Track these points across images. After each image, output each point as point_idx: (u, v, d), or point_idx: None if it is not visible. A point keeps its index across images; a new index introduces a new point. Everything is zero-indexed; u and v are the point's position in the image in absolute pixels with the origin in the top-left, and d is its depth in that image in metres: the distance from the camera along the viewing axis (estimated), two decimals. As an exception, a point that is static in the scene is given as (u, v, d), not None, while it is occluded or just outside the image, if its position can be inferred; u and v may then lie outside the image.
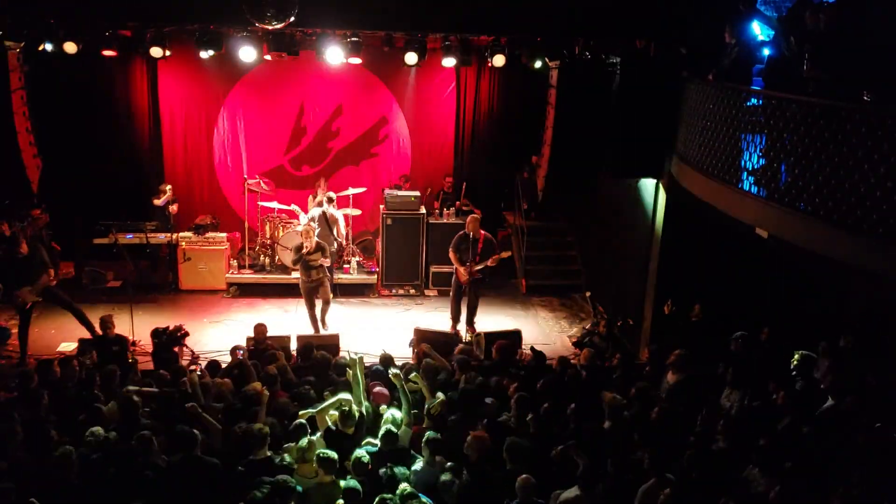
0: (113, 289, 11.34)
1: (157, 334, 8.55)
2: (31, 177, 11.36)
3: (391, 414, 6.24)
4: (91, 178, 12.15)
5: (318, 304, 10.17)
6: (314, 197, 12.10)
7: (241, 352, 7.79)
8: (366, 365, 6.97)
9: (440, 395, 6.52)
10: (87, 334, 8.96)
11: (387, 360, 7.59)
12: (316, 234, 10.21)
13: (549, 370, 7.85)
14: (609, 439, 6.21)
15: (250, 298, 11.51)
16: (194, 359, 8.99)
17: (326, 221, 10.99)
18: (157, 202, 11.78)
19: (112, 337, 8.34)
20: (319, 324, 10.14)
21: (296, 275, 10.51)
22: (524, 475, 5.27)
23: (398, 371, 6.75)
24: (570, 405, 6.60)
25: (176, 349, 8.74)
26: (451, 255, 10.15)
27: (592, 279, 12.18)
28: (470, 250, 10.00)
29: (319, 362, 7.59)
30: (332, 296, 10.41)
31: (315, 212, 11.30)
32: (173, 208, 11.87)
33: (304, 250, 9.74)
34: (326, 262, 10.08)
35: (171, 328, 8.69)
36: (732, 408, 7.03)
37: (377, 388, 6.88)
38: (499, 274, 11.58)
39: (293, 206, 11.94)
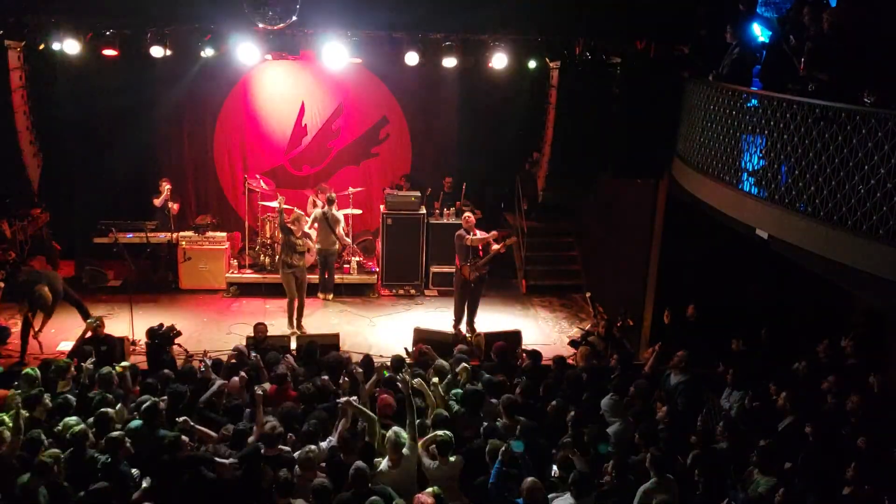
0: (113, 288, 11.34)
1: (151, 334, 8.54)
2: (32, 176, 11.32)
3: (394, 432, 5.66)
4: (91, 177, 12.14)
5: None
6: (313, 202, 12.01)
7: (255, 355, 7.73)
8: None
9: (441, 433, 5.87)
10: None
11: (398, 364, 7.40)
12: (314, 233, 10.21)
13: (547, 370, 7.85)
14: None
15: (250, 298, 11.50)
16: (188, 359, 8.94)
17: (328, 223, 10.97)
18: (157, 202, 11.76)
19: (101, 336, 8.36)
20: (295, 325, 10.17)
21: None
22: (531, 478, 5.25)
23: (407, 377, 6.21)
24: (572, 405, 6.60)
25: (169, 349, 8.69)
26: (457, 260, 10.11)
27: (592, 279, 12.18)
28: (470, 249, 10.00)
29: (331, 363, 7.51)
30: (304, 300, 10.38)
31: (316, 212, 11.28)
32: (173, 207, 11.82)
33: (286, 222, 10.01)
34: (311, 252, 10.43)
35: (163, 328, 8.63)
36: (732, 408, 7.04)
37: (383, 396, 6.48)
38: (499, 274, 11.57)
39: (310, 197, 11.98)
